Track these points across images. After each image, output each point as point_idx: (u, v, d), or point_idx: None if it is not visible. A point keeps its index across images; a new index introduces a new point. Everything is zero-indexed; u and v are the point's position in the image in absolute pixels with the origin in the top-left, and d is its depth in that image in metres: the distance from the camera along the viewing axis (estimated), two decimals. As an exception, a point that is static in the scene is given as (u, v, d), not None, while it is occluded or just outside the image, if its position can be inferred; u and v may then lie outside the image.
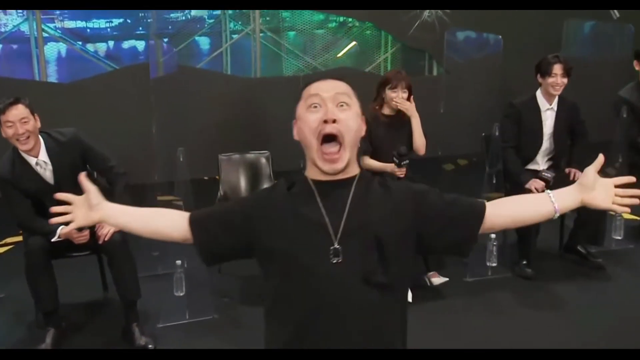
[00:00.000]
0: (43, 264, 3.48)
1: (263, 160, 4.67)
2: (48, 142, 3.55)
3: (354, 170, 1.86)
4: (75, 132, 3.64)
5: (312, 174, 1.84)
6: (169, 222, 1.90)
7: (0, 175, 3.50)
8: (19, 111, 3.39)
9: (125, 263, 3.64)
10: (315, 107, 1.80)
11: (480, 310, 4.17)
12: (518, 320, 4.03)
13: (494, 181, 4.61)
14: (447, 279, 4.34)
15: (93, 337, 3.79)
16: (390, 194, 1.82)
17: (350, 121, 1.80)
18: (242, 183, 4.55)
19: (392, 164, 4.22)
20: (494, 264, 4.57)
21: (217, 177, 4.68)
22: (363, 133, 1.87)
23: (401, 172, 4.22)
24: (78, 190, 3.64)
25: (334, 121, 1.77)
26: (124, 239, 3.64)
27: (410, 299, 4.10)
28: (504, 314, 4.13)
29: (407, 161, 4.20)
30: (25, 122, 3.41)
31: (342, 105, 1.80)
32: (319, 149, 1.78)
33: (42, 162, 3.53)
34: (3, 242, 5.04)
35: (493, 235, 4.53)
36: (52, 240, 3.48)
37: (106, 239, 3.56)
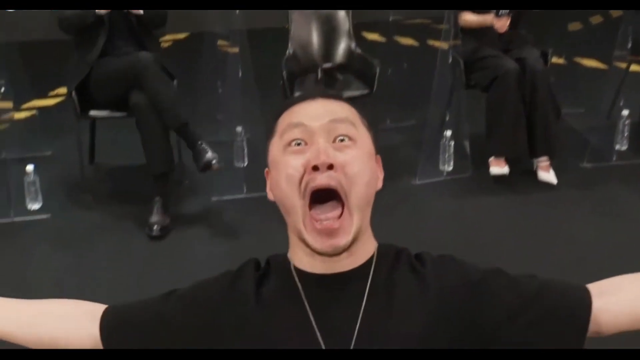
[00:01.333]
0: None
1: (342, 14, 4.13)
2: None
3: (368, 249, 1.19)
4: None
5: (297, 258, 1.18)
6: (69, 327, 1.23)
7: None
8: None
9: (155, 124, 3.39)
10: (298, 144, 1.16)
11: (594, 206, 3.71)
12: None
13: (630, 44, 3.95)
14: (556, 181, 3.81)
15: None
16: (429, 289, 1.15)
17: (358, 166, 1.14)
18: (315, 40, 4.08)
19: (492, 15, 3.67)
20: (624, 147, 4.03)
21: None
22: (380, 185, 1.22)
23: (501, 25, 3.67)
24: None
25: (330, 167, 1.12)
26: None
27: (505, 170, 3.76)
28: (624, 212, 3.63)
29: (509, 10, 3.61)
30: None
31: (342, 140, 1.16)
32: (306, 214, 1.13)
33: None
34: (54, 92, 4.90)
35: (626, 112, 3.95)
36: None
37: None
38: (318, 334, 1.11)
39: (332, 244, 1.11)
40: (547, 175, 3.80)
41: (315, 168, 1.11)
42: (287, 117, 1.20)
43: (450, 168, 3.89)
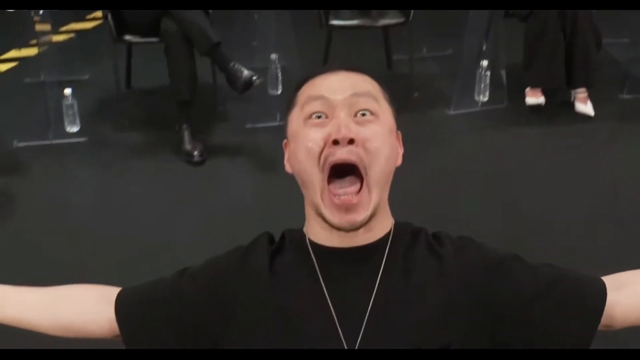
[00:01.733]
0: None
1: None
2: None
3: (385, 225, 1.17)
4: None
5: (313, 232, 1.17)
6: (84, 312, 1.23)
7: None
8: None
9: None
10: (319, 117, 1.14)
11: (632, 138, 3.64)
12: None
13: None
14: (593, 113, 3.75)
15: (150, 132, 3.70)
16: (446, 269, 1.14)
17: (378, 141, 1.13)
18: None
19: None
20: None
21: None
22: (399, 161, 1.20)
23: None
24: None
25: (351, 142, 1.10)
26: None
27: (542, 100, 3.76)
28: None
29: None
30: None
31: (363, 115, 1.14)
32: (325, 188, 1.12)
33: None
34: (92, 15, 4.91)
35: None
36: None
37: None
38: (331, 306, 1.10)
39: (349, 219, 1.10)
40: (585, 107, 3.74)
41: (336, 142, 1.10)
42: (307, 89, 1.17)
43: (486, 98, 3.85)
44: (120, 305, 1.21)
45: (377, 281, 1.12)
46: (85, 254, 2.82)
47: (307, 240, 1.17)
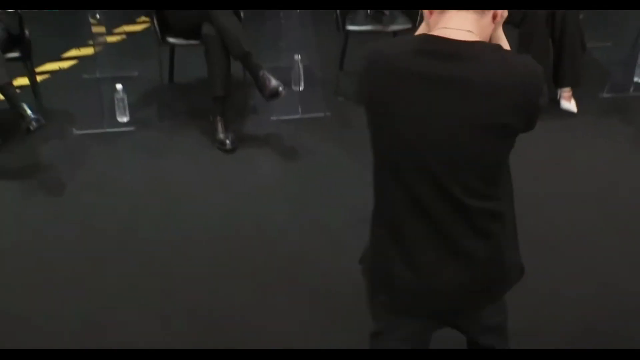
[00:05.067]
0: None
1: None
2: None
3: None
4: None
5: None
6: None
7: None
8: None
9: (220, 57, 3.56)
10: None
11: (611, 133, 3.75)
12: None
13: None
14: (576, 110, 3.90)
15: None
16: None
17: None
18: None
19: None
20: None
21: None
22: None
23: None
24: None
25: None
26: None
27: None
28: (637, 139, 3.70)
29: None
30: None
31: None
32: None
33: None
34: (141, 19, 5.12)
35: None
36: None
37: None
38: None
39: None
40: (569, 104, 3.88)
41: None
42: None
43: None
44: None
45: None
46: (134, 226, 3.03)
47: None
